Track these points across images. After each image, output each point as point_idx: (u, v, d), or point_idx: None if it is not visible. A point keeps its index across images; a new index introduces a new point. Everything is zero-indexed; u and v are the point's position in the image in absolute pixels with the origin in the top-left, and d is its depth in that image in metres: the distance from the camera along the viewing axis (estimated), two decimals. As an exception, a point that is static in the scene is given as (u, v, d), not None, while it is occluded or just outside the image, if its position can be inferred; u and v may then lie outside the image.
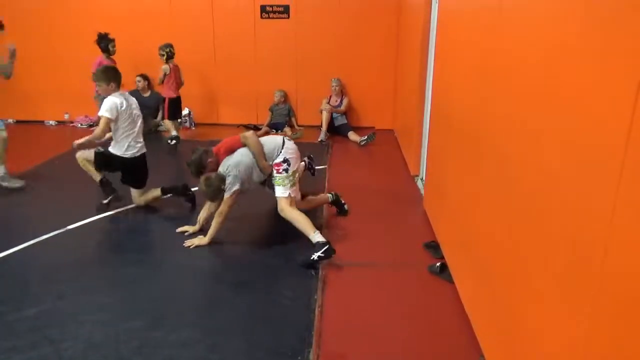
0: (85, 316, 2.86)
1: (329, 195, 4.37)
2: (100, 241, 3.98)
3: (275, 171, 3.75)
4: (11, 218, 4.42)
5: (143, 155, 4.37)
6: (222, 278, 3.44)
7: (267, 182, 3.94)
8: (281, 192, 3.72)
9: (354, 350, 2.63)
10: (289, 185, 3.72)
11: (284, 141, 3.88)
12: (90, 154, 4.22)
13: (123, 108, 4.07)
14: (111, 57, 6.59)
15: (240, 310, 2.98)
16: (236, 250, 3.81)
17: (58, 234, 3.94)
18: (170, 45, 6.68)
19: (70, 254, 3.69)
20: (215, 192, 3.65)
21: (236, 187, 3.63)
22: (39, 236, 3.85)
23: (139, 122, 4.31)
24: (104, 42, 6.48)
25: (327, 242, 3.44)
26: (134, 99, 4.34)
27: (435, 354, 2.62)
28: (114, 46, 6.56)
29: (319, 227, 4.01)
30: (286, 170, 3.71)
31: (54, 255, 3.66)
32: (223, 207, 3.67)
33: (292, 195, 3.74)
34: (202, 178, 3.68)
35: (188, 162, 3.90)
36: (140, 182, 4.42)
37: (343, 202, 4.37)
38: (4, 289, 3.15)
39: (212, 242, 3.73)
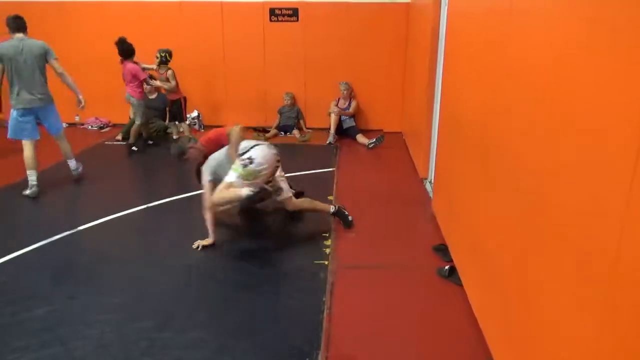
0: (95, 316, 2.88)
1: (332, 206, 4.23)
2: (111, 242, 4.00)
3: (238, 159, 3.69)
4: (23, 219, 4.46)
5: None
6: (231, 280, 3.45)
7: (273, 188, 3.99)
8: (230, 176, 3.63)
9: (362, 353, 2.62)
10: (238, 176, 3.59)
11: (262, 146, 3.77)
12: None
13: None
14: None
15: (249, 311, 2.98)
16: (245, 252, 3.82)
17: (69, 234, 3.98)
18: (167, 51, 6.67)
19: (81, 254, 3.73)
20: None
21: (206, 177, 3.87)
22: (50, 237, 3.89)
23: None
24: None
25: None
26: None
27: (444, 356, 2.61)
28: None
29: (327, 230, 4.03)
30: (244, 166, 3.59)
31: (65, 255, 3.70)
32: (204, 201, 3.81)
33: (235, 184, 3.63)
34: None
35: (171, 146, 4.30)
36: None
37: (347, 213, 4.20)
38: (15, 289, 3.18)
39: (222, 244, 3.76)
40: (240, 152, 3.73)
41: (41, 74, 4.92)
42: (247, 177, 3.61)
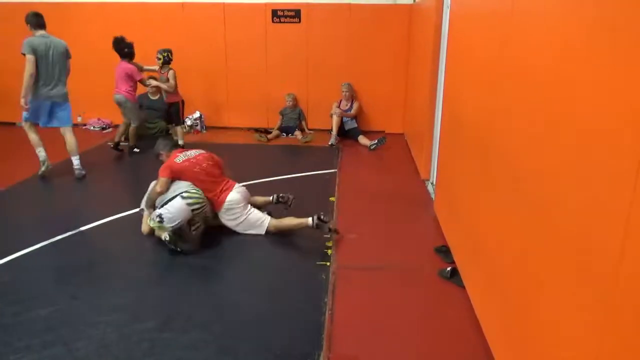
0: (98, 317, 2.89)
1: (309, 219, 3.88)
2: (113, 242, 4.01)
3: (154, 214, 3.83)
4: (25, 219, 4.47)
5: None
6: (233, 280, 3.46)
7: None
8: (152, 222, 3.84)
9: (364, 353, 2.62)
10: (157, 229, 3.79)
11: (176, 200, 3.78)
12: None
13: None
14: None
15: (250, 312, 2.99)
16: (246, 253, 3.82)
17: (71, 235, 3.99)
18: (168, 50, 6.67)
19: (83, 255, 3.73)
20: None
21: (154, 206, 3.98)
22: (52, 237, 3.90)
23: None
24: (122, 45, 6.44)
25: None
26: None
27: (445, 358, 2.61)
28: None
29: (328, 231, 4.02)
30: (160, 222, 3.73)
31: (67, 256, 3.71)
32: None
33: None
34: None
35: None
36: None
37: (328, 225, 3.86)
38: (18, 289, 3.19)
39: (223, 244, 3.80)
40: (160, 203, 3.85)
41: (63, 71, 5.15)
42: (161, 228, 3.77)
